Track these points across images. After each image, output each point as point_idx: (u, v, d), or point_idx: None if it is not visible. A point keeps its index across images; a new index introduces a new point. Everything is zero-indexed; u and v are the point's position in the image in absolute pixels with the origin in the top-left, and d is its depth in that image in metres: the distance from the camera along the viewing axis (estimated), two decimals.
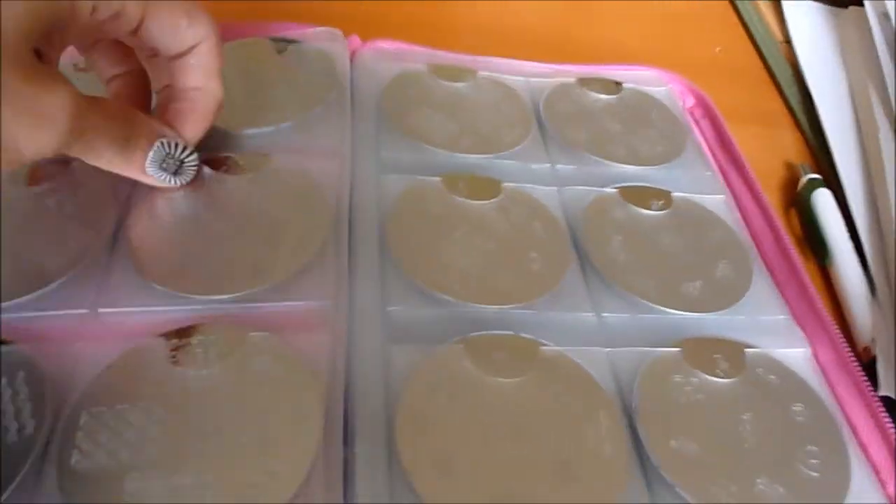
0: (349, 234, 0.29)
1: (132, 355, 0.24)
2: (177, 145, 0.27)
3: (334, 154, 0.32)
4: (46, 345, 0.24)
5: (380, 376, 0.25)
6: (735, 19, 0.52)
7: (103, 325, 0.25)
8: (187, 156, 0.28)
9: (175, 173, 0.28)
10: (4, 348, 0.23)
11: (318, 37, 0.38)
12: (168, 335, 0.24)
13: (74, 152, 0.24)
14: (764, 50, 0.48)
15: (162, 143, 0.27)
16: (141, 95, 0.29)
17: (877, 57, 0.43)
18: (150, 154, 0.26)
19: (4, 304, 0.24)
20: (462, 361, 0.25)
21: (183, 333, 0.24)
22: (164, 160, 0.27)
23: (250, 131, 0.32)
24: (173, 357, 0.24)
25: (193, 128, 0.28)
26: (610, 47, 0.47)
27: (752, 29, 0.49)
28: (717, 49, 0.48)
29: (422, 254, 0.28)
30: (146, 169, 0.27)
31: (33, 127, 0.22)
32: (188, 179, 0.29)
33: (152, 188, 0.28)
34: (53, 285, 0.25)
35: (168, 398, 0.23)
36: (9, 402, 0.22)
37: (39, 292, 0.25)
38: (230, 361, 0.24)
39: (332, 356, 0.24)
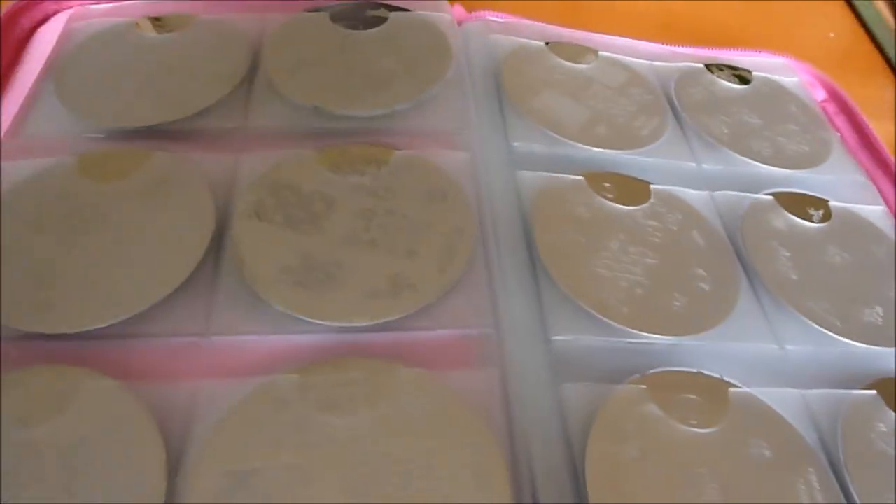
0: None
1: (260, 396, 0.19)
2: None
3: (458, 142, 0.28)
4: (147, 382, 0.19)
5: (554, 420, 0.21)
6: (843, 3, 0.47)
7: (215, 356, 0.20)
8: None
9: None
10: (108, 381, 0.19)
11: (419, 4, 0.33)
12: (302, 372, 0.20)
13: None
14: (879, 36, 0.44)
15: None
16: None
17: None
18: None
19: (92, 330, 0.20)
20: (646, 404, 0.22)
21: (319, 370, 0.20)
22: None
23: (359, 113, 0.28)
24: (313, 400, 0.20)
25: None
26: (715, 28, 0.43)
27: (864, 14, 0.45)
28: (830, 34, 0.44)
29: (580, 270, 0.24)
30: None
31: None
32: None
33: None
34: (150, 306, 0.21)
35: (316, 451, 0.19)
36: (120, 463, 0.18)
37: (134, 313, 0.20)
38: (381, 405, 0.20)
39: (501, 397, 0.21)
